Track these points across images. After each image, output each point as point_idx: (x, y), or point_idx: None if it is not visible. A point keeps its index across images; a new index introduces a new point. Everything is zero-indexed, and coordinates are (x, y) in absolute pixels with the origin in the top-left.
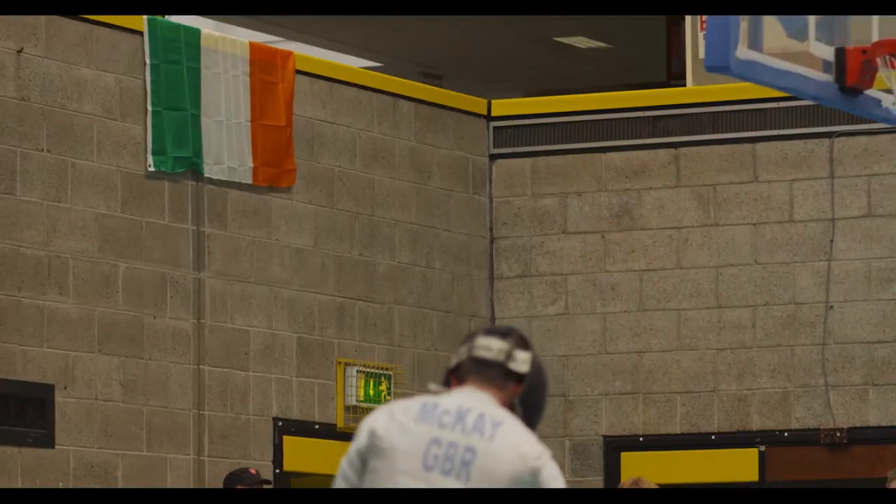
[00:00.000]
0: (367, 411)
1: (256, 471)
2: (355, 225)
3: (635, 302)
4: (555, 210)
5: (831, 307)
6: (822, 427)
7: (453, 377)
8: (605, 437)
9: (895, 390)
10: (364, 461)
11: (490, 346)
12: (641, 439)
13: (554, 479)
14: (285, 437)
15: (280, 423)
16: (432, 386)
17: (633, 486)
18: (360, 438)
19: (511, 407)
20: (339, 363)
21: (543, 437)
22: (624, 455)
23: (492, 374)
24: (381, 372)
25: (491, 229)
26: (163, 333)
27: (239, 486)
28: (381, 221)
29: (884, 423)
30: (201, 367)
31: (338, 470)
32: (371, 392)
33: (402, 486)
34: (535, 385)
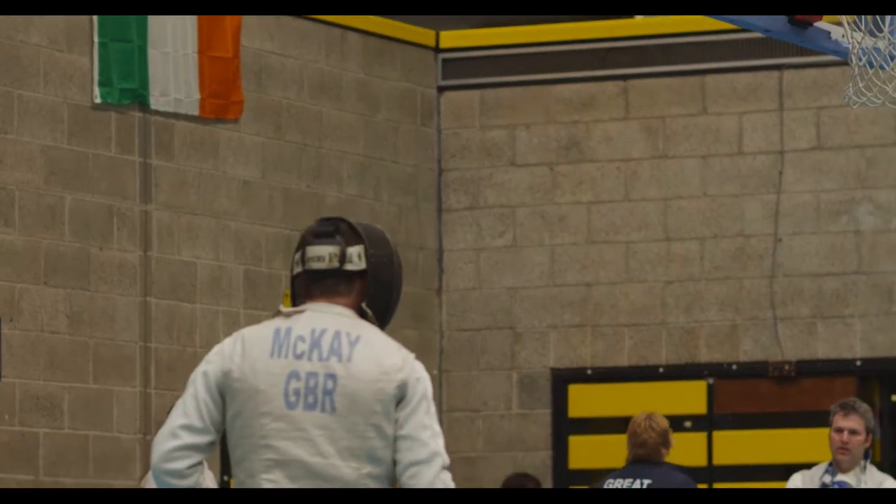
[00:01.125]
0: None
1: None
2: (303, 157)
3: (583, 234)
4: (503, 142)
5: (780, 240)
6: (770, 360)
7: (301, 291)
8: (552, 369)
9: (843, 323)
10: (223, 396)
11: (321, 255)
12: (589, 372)
13: (417, 381)
14: None
15: None
16: (283, 308)
17: (646, 421)
18: (216, 370)
19: (362, 310)
20: (286, 295)
21: (491, 369)
22: (572, 387)
23: (332, 283)
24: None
25: (439, 161)
26: (109, 265)
27: None
28: (329, 154)
29: (832, 356)
30: (148, 299)
31: (192, 389)
32: None
33: (267, 429)
34: (378, 278)
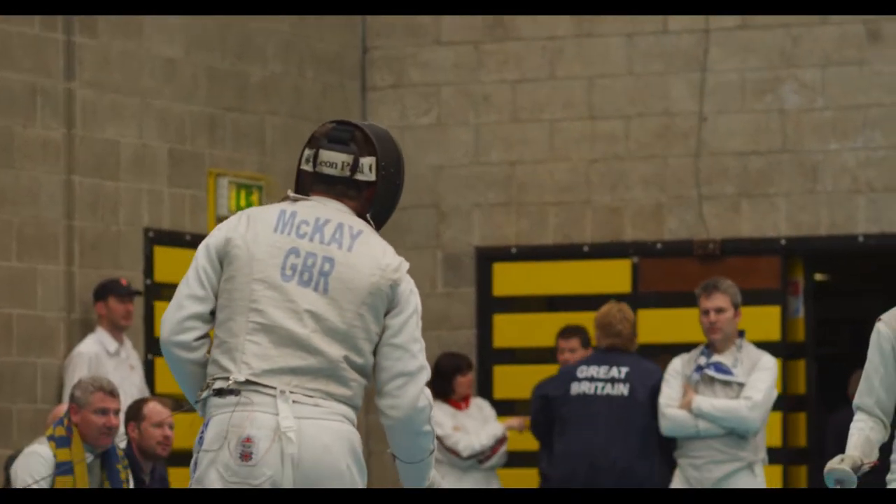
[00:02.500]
0: None
1: (128, 281)
2: (227, 35)
3: (508, 113)
4: (428, 21)
5: (705, 119)
6: (694, 239)
7: (307, 186)
8: (477, 248)
9: (768, 202)
10: (221, 263)
11: (334, 161)
12: (514, 250)
13: (411, 292)
14: (156, 248)
15: (151, 234)
16: (290, 193)
17: (619, 313)
18: (218, 238)
19: (365, 218)
20: (211, 174)
21: (416, 248)
22: (496, 266)
23: (341, 189)
24: (252, 183)
25: (364, 40)
26: (33, 143)
27: (111, 297)
28: (254, 31)
29: (756, 235)
30: (72, 177)
31: (194, 262)
32: (242, 203)
33: (258, 294)
34: (386, 190)
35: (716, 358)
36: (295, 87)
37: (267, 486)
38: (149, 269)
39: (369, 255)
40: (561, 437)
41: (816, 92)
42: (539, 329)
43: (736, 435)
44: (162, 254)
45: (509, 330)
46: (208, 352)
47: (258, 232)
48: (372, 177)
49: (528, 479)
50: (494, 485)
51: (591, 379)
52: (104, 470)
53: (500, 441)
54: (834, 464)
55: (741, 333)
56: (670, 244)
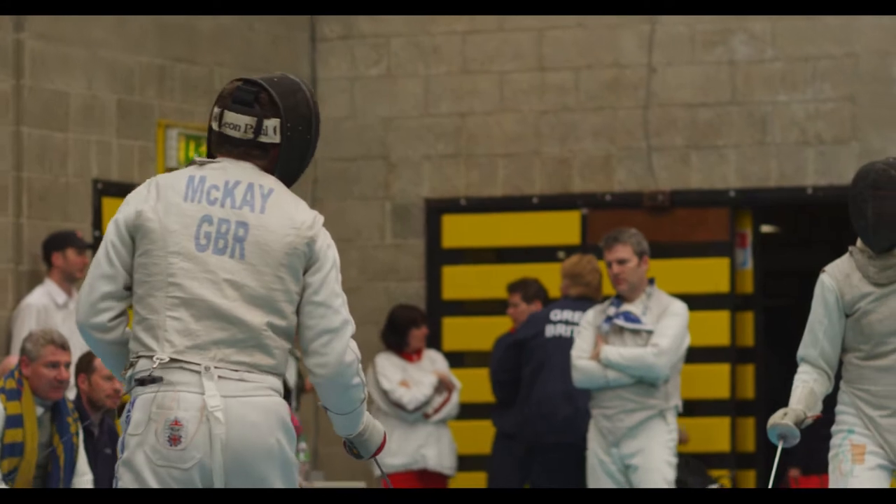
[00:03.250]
0: None
1: (82, 234)
2: None
3: (458, 64)
4: None
5: (654, 70)
6: (644, 190)
7: (215, 146)
8: (426, 199)
9: (717, 154)
10: (132, 238)
11: (237, 124)
12: (463, 202)
13: (328, 246)
14: (105, 199)
15: (100, 185)
16: (196, 157)
17: (589, 264)
18: (128, 212)
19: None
20: (160, 125)
21: (364, 199)
22: (445, 217)
23: (245, 150)
24: (201, 134)
25: None
26: None
27: (70, 249)
28: None
29: (705, 187)
30: (20, 128)
31: (104, 239)
32: (191, 154)
33: (175, 268)
34: (292, 149)
35: (625, 307)
36: (244, 38)
37: (196, 469)
38: (97, 221)
39: (282, 214)
40: (537, 381)
41: (766, 43)
42: (488, 281)
43: (646, 383)
44: (111, 205)
45: (458, 282)
46: (130, 325)
47: (169, 202)
48: (276, 139)
49: (481, 431)
50: (445, 438)
51: (567, 322)
52: (54, 423)
53: (448, 392)
54: (777, 418)
55: (651, 281)
56: (619, 196)
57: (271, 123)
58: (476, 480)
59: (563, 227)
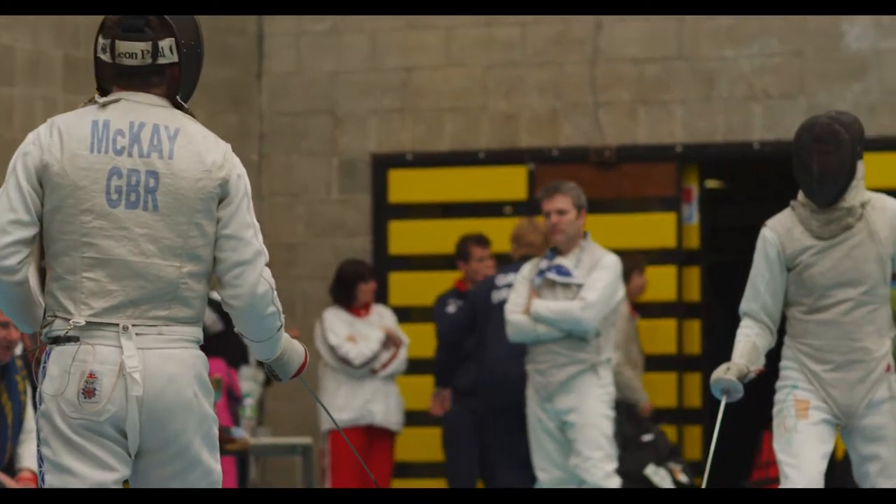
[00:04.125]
0: None
1: None
2: None
3: (404, 19)
4: None
5: (601, 25)
6: (590, 145)
7: (110, 79)
8: (372, 154)
9: (664, 109)
10: (42, 187)
11: (133, 51)
12: (409, 157)
13: (239, 178)
14: None
15: None
16: (97, 97)
17: (530, 225)
18: (35, 159)
19: (176, 101)
20: None
21: (311, 155)
22: (392, 172)
23: (144, 78)
24: None
25: None
26: None
27: None
28: None
29: (652, 142)
30: None
31: (14, 179)
32: None
33: (88, 226)
34: (189, 67)
35: (558, 261)
36: None
37: (108, 422)
38: None
39: (192, 156)
40: (487, 345)
41: None
42: (434, 236)
43: (576, 337)
44: None
45: (405, 237)
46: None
47: (74, 154)
48: (175, 57)
49: (429, 387)
50: (393, 394)
51: (510, 286)
52: (3, 382)
53: (395, 347)
54: (720, 373)
55: (585, 235)
56: (566, 151)
57: (166, 43)
58: (423, 436)
59: (510, 183)
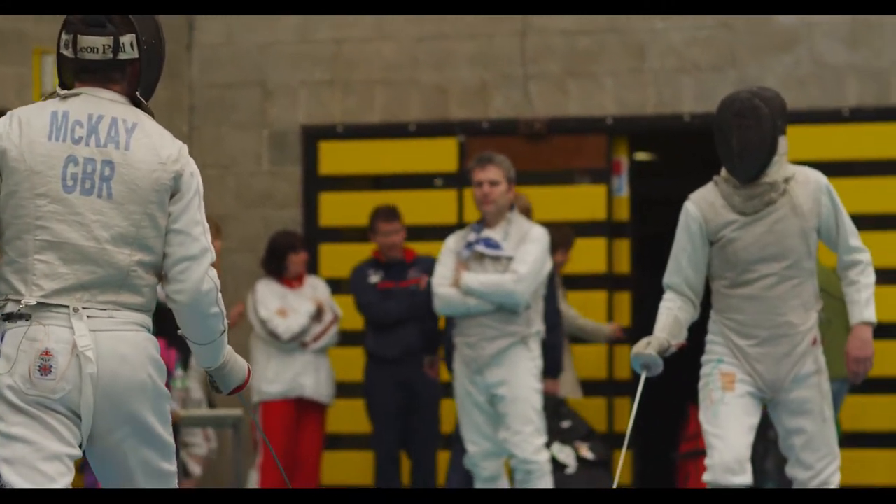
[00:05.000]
0: None
1: None
2: None
3: None
4: None
5: None
6: (520, 117)
7: (71, 73)
8: (303, 126)
9: (594, 81)
10: (0, 174)
11: (94, 46)
12: (340, 129)
13: (192, 175)
14: None
15: None
16: (59, 90)
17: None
18: None
19: (136, 98)
20: (36, 52)
21: (241, 127)
22: (322, 144)
23: (105, 73)
24: None
25: None
26: None
27: None
28: None
29: (583, 114)
30: None
31: None
32: None
33: (43, 210)
34: (149, 64)
35: (486, 233)
36: None
37: (62, 401)
38: None
39: (148, 149)
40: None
41: None
42: (365, 208)
43: (506, 310)
44: None
45: (335, 209)
46: None
47: (33, 140)
48: (135, 54)
49: (359, 359)
50: (324, 367)
51: None
52: None
53: (329, 320)
54: (640, 348)
55: (512, 207)
56: (496, 123)
57: (127, 39)
58: (354, 408)
59: (440, 155)
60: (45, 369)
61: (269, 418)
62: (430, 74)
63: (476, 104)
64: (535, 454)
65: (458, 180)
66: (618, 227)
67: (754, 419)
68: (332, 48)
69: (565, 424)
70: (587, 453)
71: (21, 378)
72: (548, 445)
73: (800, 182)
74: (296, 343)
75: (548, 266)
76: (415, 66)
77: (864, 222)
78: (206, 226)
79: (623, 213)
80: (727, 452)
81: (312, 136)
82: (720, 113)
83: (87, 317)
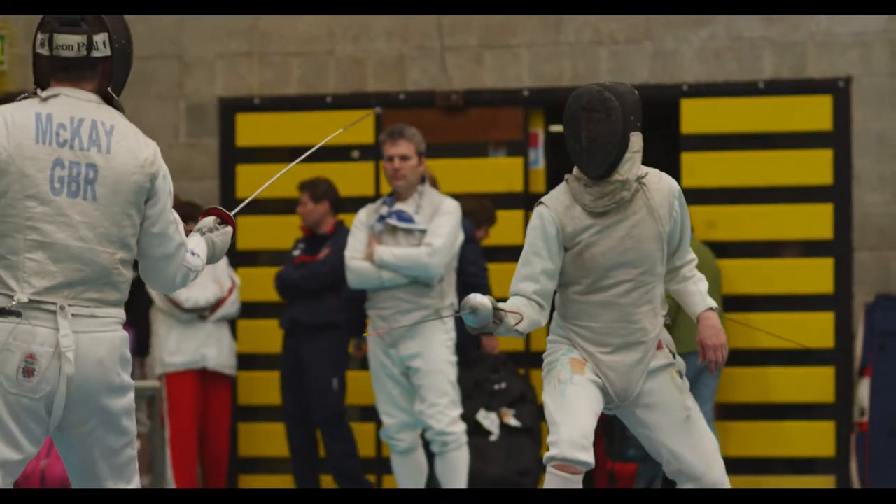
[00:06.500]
0: None
1: None
2: None
3: None
4: None
5: None
6: (437, 89)
7: (46, 71)
8: (220, 98)
9: (510, 53)
10: None
11: (69, 44)
12: (257, 101)
13: (164, 177)
14: None
15: None
16: (39, 92)
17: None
18: None
19: (107, 94)
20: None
21: (159, 98)
22: (239, 116)
23: (79, 70)
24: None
25: None
26: None
27: None
28: None
29: (499, 86)
30: None
31: None
32: (1, 56)
33: (32, 211)
34: (120, 62)
35: (398, 206)
36: None
37: (43, 400)
38: None
39: (127, 152)
40: None
41: None
42: (281, 180)
43: (420, 283)
44: None
45: (252, 181)
46: None
47: (21, 143)
48: (107, 52)
49: (267, 330)
50: (225, 337)
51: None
52: None
53: (227, 288)
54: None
55: (423, 180)
56: (413, 95)
57: (100, 38)
58: (261, 380)
59: (357, 127)
60: (28, 372)
61: (174, 390)
62: (347, 46)
63: (393, 76)
64: (450, 426)
65: (375, 152)
66: (534, 198)
67: (599, 408)
68: (248, 20)
69: (498, 387)
70: (511, 420)
71: (6, 377)
72: (474, 412)
73: (653, 184)
74: (195, 314)
75: (460, 238)
76: (332, 39)
77: (781, 195)
78: (178, 220)
79: (539, 185)
80: (574, 428)
81: (229, 109)
82: (569, 107)
83: (72, 315)
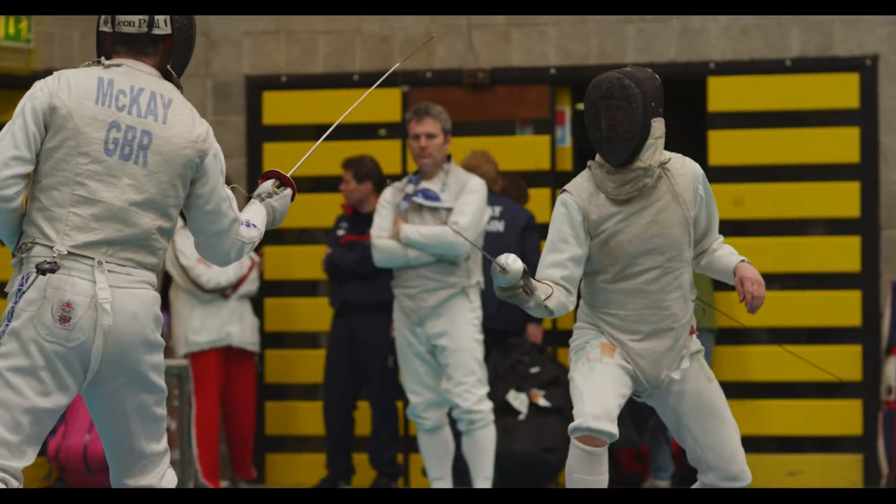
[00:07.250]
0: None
1: None
2: None
3: None
4: None
5: None
6: (464, 67)
7: (108, 46)
8: (247, 76)
9: (537, 31)
10: (46, 129)
11: (131, 20)
12: (284, 79)
13: (215, 157)
14: None
15: None
16: (103, 59)
17: (483, 157)
18: (43, 102)
19: (167, 71)
20: None
21: (185, 77)
22: (266, 94)
23: (140, 45)
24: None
25: None
26: None
27: None
28: None
29: (526, 65)
30: None
31: (21, 120)
32: (11, 30)
33: (83, 168)
34: (181, 42)
35: (423, 185)
36: None
37: (77, 349)
38: None
39: (182, 126)
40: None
41: None
42: (308, 158)
43: (447, 261)
44: None
45: (279, 159)
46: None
47: (81, 101)
48: (168, 30)
49: (294, 308)
50: (247, 314)
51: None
52: None
53: (247, 266)
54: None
55: (449, 158)
56: (440, 73)
57: (161, 17)
58: (289, 358)
59: (384, 105)
60: (64, 320)
61: (200, 368)
62: (373, 24)
63: (420, 54)
64: (477, 404)
65: (402, 130)
66: (561, 176)
67: (627, 391)
68: None
69: (534, 370)
70: (541, 400)
71: (42, 325)
72: (505, 392)
73: (677, 169)
74: (216, 294)
75: (486, 216)
76: (358, 16)
77: (807, 173)
78: (231, 196)
79: (566, 163)
80: (599, 401)
81: (256, 87)
82: (589, 95)
83: (109, 271)
